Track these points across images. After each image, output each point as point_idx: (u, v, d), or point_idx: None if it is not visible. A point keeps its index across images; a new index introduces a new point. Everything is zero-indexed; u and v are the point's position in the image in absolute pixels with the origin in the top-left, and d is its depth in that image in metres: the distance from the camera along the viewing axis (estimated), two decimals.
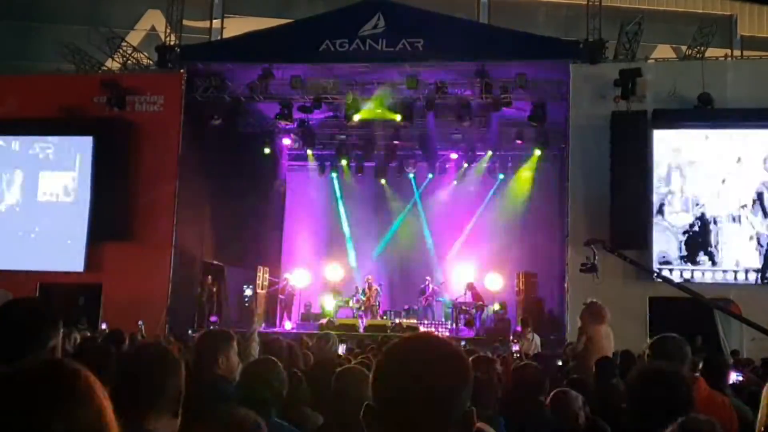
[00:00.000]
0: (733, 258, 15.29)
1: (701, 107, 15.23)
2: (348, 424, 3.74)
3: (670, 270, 15.26)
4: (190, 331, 15.35)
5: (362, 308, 20.00)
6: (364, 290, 20.51)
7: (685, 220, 15.47)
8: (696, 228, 15.43)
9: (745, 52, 22.79)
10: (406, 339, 1.58)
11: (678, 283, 14.22)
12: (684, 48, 18.30)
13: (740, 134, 15.52)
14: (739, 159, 15.38)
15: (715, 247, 15.33)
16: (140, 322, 12.81)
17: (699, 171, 15.53)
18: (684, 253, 15.41)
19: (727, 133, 15.53)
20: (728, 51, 22.15)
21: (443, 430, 1.44)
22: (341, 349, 9.04)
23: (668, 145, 15.61)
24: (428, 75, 17.48)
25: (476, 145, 21.47)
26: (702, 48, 16.62)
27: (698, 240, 15.39)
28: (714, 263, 15.31)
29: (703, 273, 15.30)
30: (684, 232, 15.44)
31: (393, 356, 1.52)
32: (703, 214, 15.43)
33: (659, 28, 23.25)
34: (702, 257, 15.36)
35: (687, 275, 15.23)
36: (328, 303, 20.95)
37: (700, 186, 15.49)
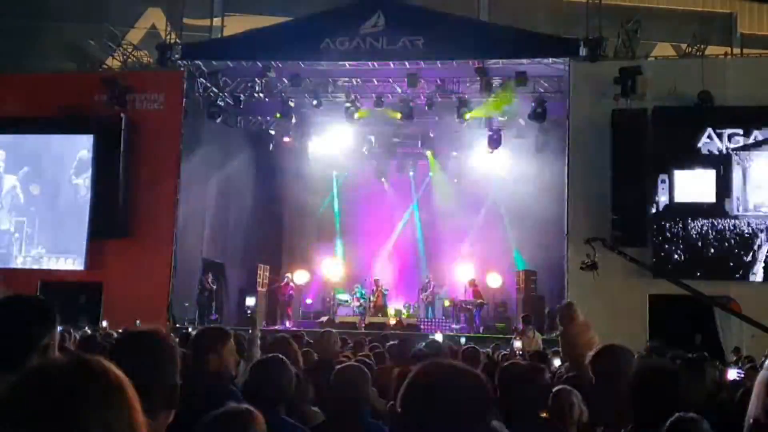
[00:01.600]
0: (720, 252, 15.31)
1: (701, 105, 15.23)
2: (347, 421, 3.77)
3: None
4: (190, 329, 15.36)
5: (371, 308, 20.06)
6: (372, 292, 20.54)
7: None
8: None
9: (745, 50, 22.73)
10: (435, 366, 1.71)
11: (678, 281, 14.25)
12: (684, 46, 18.32)
13: (728, 130, 15.53)
14: (731, 152, 15.39)
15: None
16: (137, 322, 12.81)
17: (694, 166, 15.55)
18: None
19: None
20: (728, 49, 22.10)
21: None
22: None
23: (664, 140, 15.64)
24: (428, 73, 17.49)
25: (476, 143, 21.45)
26: (702, 46, 16.64)
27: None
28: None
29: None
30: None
31: (420, 383, 1.65)
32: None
33: (659, 26, 23.23)
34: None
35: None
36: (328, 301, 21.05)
37: (696, 181, 15.51)
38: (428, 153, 21.95)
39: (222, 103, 18.27)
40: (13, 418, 1.16)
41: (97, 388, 1.21)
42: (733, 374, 7.62)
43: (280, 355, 3.91)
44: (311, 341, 8.56)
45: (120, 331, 9.52)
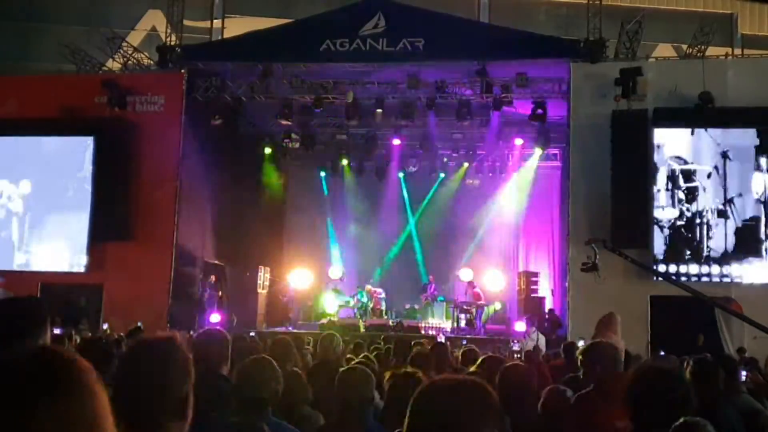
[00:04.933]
0: (720, 252, 15.29)
1: (702, 106, 15.22)
2: (350, 423, 3.75)
3: (656, 265, 15.23)
4: (191, 332, 15.34)
5: (366, 313, 20.04)
6: (367, 295, 20.52)
7: (671, 214, 15.47)
8: (682, 222, 15.41)
9: (746, 51, 22.77)
10: (441, 382, 1.79)
11: (679, 282, 14.24)
12: (685, 47, 18.29)
13: (729, 130, 15.53)
14: (725, 153, 15.39)
15: (701, 241, 15.32)
16: (139, 324, 12.80)
17: (685, 165, 15.55)
18: (669, 247, 15.40)
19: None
20: (729, 50, 22.12)
21: None
22: None
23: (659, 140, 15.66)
24: (429, 74, 17.46)
25: (477, 145, 21.46)
26: (703, 47, 16.61)
27: (684, 235, 15.37)
28: (700, 257, 15.29)
29: (688, 266, 15.29)
30: (669, 227, 15.43)
31: (427, 395, 1.73)
32: (689, 209, 15.42)
33: (660, 26, 23.24)
34: (687, 252, 15.34)
35: (672, 269, 15.23)
36: (329, 303, 21.00)
37: (689, 182, 15.50)
38: (428, 154, 21.92)
39: (222, 105, 18.23)
40: None
41: (55, 375, 1.19)
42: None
43: (267, 357, 3.90)
44: (311, 343, 8.55)
45: (119, 335, 9.52)
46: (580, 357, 4.26)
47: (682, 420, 2.54)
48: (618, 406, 3.47)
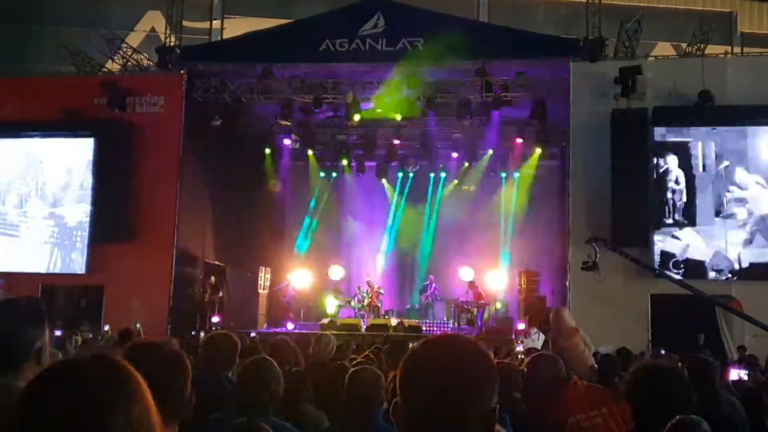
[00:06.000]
0: (721, 250, 15.30)
1: (701, 104, 15.22)
2: (360, 423, 3.75)
3: (657, 264, 15.25)
4: (193, 332, 15.36)
5: (365, 308, 20.00)
6: (367, 291, 20.51)
7: (672, 213, 15.48)
8: (683, 221, 15.43)
9: (745, 49, 22.73)
10: (433, 339, 1.60)
11: (679, 281, 14.27)
12: (684, 45, 18.29)
13: (729, 129, 15.55)
14: (719, 155, 15.41)
15: (703, 239, 15.33)
16: (138, 324, 12.80)
17: (686, 165, 15.58)
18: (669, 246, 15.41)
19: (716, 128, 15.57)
20: (728, 48, 22.11)
21: (464, 424, 1.44)
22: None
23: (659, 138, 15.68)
24: (428, 74, 17.47)
25: (477, 144, 21.42)
26: (702, 45, 16.61)
27: (685, 233, 15.40)
28: (701, 255, 15.31)
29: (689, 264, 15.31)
30: (670, 225, 15.43)
31: (420, 355, 1.53)
32: (690, 207, 15.44)
33: (659, 25, 23.23)
34: (688, 250, 15.35)
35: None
36: (330, 304, 21.00)
37: (688, 180, 15.51)
38: (428, 154, 21.91)
39: (222, 106, 18.24)
40: (41, 414, 1.15)
41: (122, 385, 1.22)
42: (735, 374, 7.58)
43: (267, 357, 3.91)
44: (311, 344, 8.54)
45: (118, 336, 9.52)
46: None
47: (677, 418, 2.54)
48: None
